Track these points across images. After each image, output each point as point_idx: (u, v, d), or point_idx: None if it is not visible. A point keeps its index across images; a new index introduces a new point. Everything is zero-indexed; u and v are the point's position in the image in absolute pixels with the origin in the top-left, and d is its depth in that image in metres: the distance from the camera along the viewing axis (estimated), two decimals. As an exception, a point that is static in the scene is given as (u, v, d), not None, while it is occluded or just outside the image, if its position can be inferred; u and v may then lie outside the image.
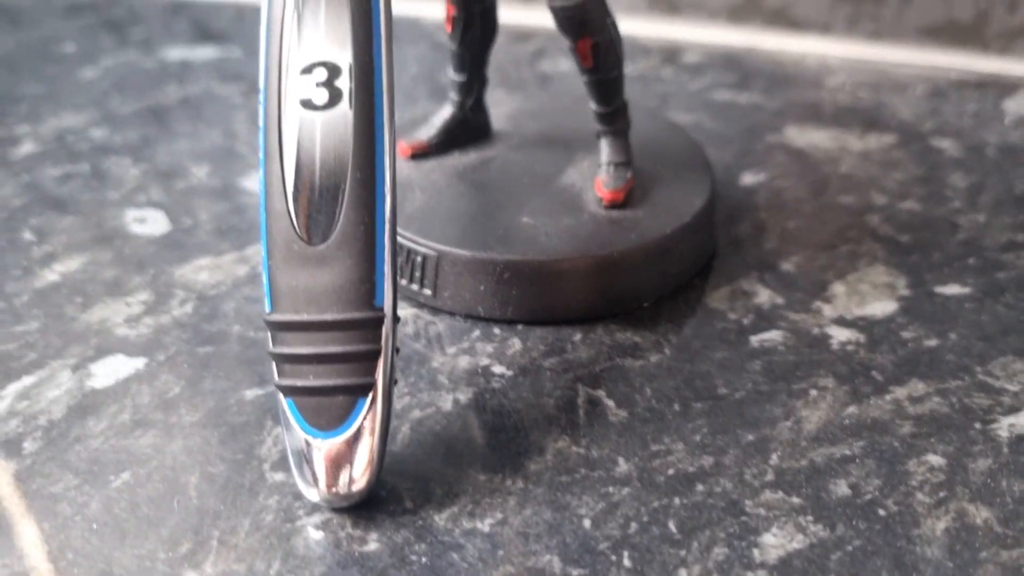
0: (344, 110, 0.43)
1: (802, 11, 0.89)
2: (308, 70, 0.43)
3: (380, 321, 0.43)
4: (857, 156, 0.73)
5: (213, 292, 0.59)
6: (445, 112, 0.64)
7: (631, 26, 0.90)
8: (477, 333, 0.56)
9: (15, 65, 0.90)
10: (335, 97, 0.43)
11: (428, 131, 0.64)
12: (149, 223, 0.66)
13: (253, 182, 0.70)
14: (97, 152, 0.75)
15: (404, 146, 0.63)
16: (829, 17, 0.89)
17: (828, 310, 0.57)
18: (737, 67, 0.87)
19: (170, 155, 0.74)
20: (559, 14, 0.54)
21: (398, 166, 0.49)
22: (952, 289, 0.58)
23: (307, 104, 0.43)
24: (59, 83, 0.87)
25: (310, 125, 0.43)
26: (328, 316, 0.42)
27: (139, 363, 0.54)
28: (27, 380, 0.53)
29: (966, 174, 0.70)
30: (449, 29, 0.60)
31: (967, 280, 0.59)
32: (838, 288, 0.58)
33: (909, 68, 0.87)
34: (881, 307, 0.57)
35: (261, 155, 0.44)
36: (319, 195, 0.43)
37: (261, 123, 0.44)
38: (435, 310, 0.57)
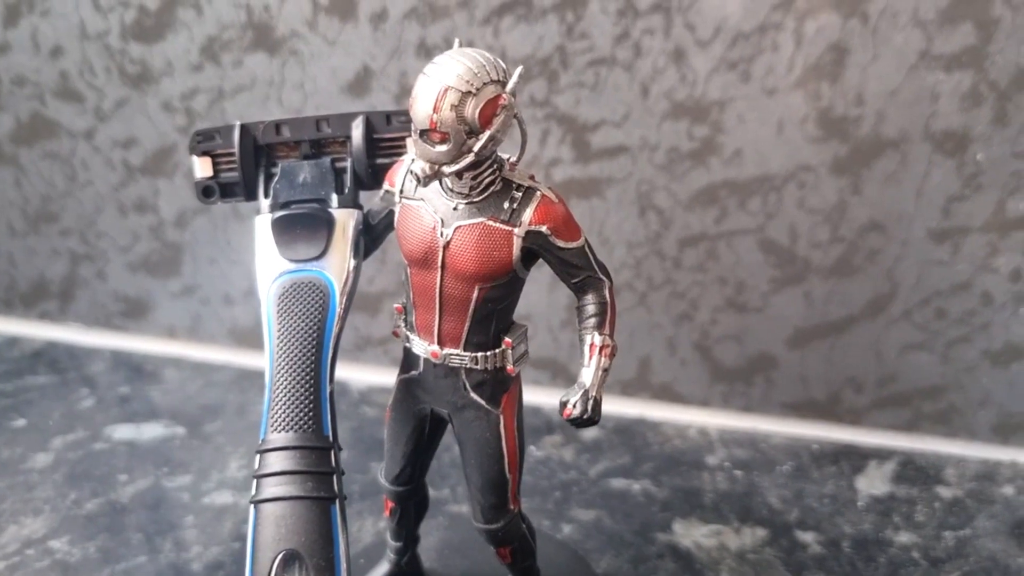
0: None
1: (684, 388, 1.04)
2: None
3: None
4: (735, 557, 0.85)
5: None
6: (382, 568, 0.74)
7: (538, 398, 1.03)
8: None
9: (-30, 447, 0.97)
10: None
11: (369, 589, 0.73)
12: (114, 670, 0.74)
13: (208, 615, 0.78)
14: (59, 571, 0.82)
15: (349, 605, 0.72)
16: (707, 394, 1.03)
17: None
18: (630, 443, 1.00)
19: (127, 578, 0.82)
20: (485, 534, 0.65)
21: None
22: None
23: None
24: (15, 475, 0.94)
25: None
26: None
27: None
28: None
29: (826, 576, 0.83)
30: (387, 515, 0.70)
31: None
32: None
33: (777, 437, 1.01)
34: None
35: None
36: None
37: None
38: None
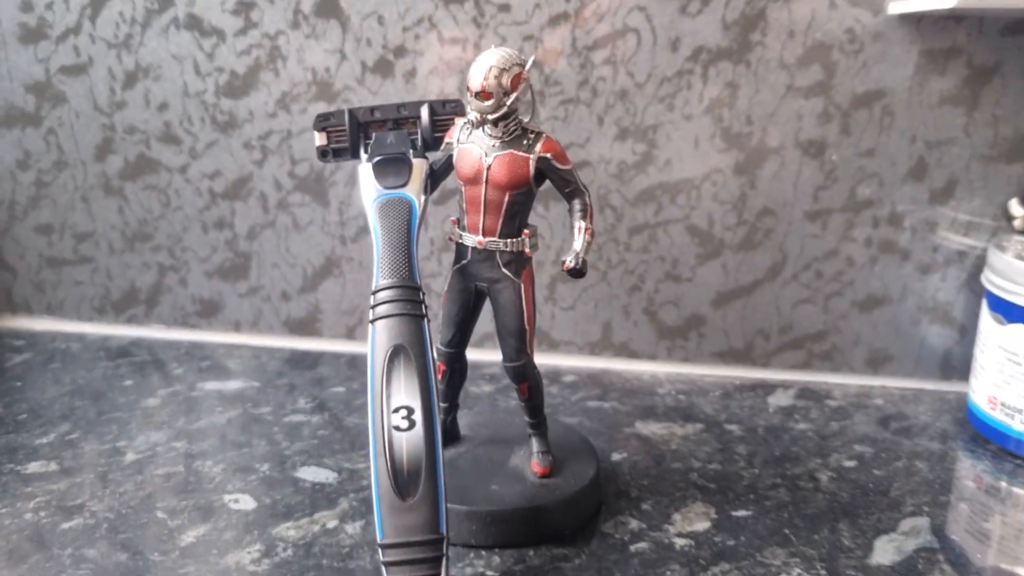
0: (418, 432, 0.83)
1: (638, 346, 1.37)
2: (397, 410, 0.84)
3: (442, 539, 0.81)
4: (680, 438, 1.17)
5: (302, 542, 0.95)
6: (434, 424, 1.05)
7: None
8: (472, 555, 0.94)
9: (93, 396, 1.27)
10: (412, 424, 0.83)
11: (425, 436, 1.04)
12: (241, 503, 1.02)
13: (304, 473, 1.08)
14: (186, 457, 1.11)
15: (412, 446, 1.03)
16: (656, 349, 1.37)
17: (672, 529, 0.98)
18: (599, 383, 1.33)
19: (239, 458, 1.11)
20: (509, 370, 0.97)
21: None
22: (741, 513, 1.01)
23: (397, 428, 0.83)
24: (133, 410, 1.23)
25: (399, 440, 0.83)
26: (414, 538, 0.80)
27: (273, 585, 0.89)
28: (207, 599, 0.87)
29: (746, 445, 1.15)
30: (440, 377, 1.02)
31: (749, 508, 1.02)
32: (676, 517, 1.00)
33: (709, 377, 1.35)
34: (701, 525, 0.99)
35: (372, 454, 0.83)
36: (407, 476, 0.82)
37: (371, 438, 0.83)
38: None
